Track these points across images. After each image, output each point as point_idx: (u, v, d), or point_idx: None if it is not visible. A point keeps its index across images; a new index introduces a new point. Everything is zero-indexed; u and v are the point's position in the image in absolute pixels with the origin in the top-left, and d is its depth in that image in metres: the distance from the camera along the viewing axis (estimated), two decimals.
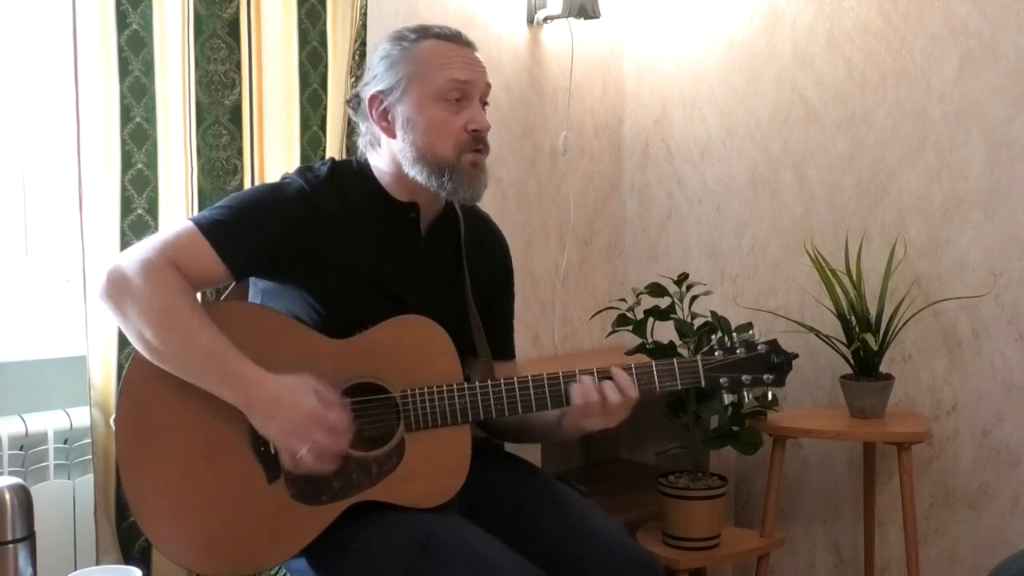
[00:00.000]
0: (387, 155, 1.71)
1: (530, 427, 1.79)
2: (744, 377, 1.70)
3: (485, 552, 1.49)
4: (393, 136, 1.68)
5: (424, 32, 1.70)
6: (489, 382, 1.65)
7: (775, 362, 1.71)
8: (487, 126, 1.69)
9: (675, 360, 1.70)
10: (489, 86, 1.72)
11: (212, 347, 1.51)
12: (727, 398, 1.71)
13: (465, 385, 1.64)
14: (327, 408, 1.51)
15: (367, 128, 1.73)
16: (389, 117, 1.68)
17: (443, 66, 1.66)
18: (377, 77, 1.69)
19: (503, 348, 1.87)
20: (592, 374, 1.66)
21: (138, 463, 1.54)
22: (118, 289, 1.53)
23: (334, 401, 1.53)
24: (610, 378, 1.65)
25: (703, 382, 1.70)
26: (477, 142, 1.68)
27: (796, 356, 1.75)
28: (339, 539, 1.57)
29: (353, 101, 1.76)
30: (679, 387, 1.71)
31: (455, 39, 1.70)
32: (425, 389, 1.61)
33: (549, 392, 1.66)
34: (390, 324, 1.63)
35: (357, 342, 1.61)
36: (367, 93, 1.70)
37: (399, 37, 1.71)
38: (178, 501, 1.54)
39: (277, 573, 1.78)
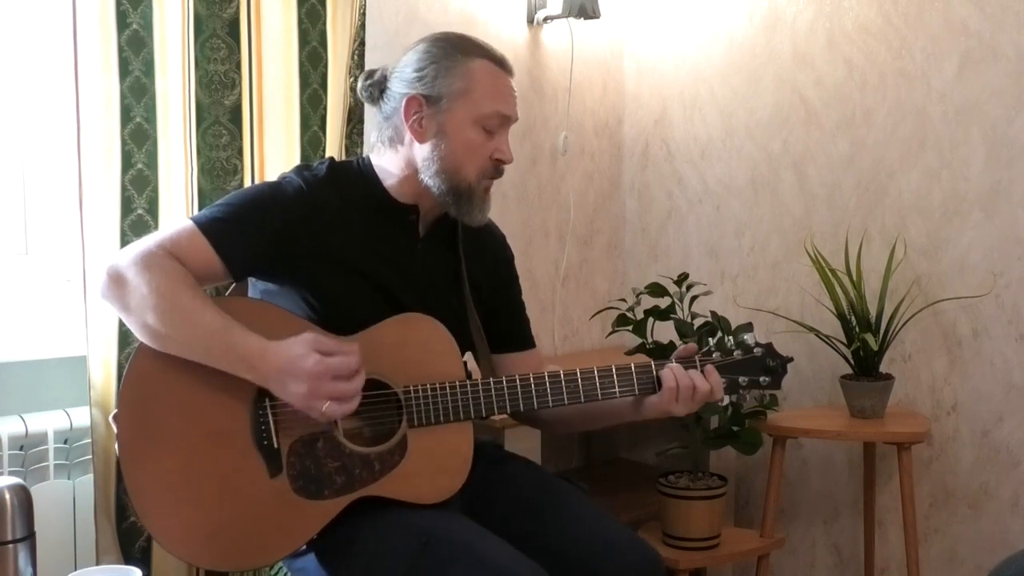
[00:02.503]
0: (404, 157, 1.70)
1: (597, 414, 1.80)
2: (741, 379, 1.73)
3: (487, 551, 1.49)
4: (422, 142, 1.67)
5: (475, 48, 1.69)
6: (491, 379, 1.65)
7: (771, 365, 1.74)
8: (511, 160, 1.71)
9: (674, 360, 1.71)
10: (518, 118, 1.74)
11: (216, 325, 1.51)
12: (724, 399, 1.73)
13: (468, 382, 1.64)
14: (329, 356, 1.50)
15: (390, 124, 1.71)
16: (423, 123, 1.67)
17: (494, 96, 1.67)
18: (423, 80, 1.66)
19: (522, 339, 1.89)
20: (693, 361, 1.71)
21: (139, 457, 1.54)
22: (118, 283, 1.54)
23: (334, 347, 1.52)
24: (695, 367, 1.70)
25: None
26: (498, 172, 1.71)
27: (791, 359, 1.78)
28: (342, 536, 1.57)
29: (373, 90, 1.73)
30: None
31: (504, 65, 1.70)
32: (428, 385, 1.62)
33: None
34: (393, 322, 1.64)
35: (359, 339, 1.61)
36: (405, 91, 1.67)
37: (449, 45, 1.68)
38: (179, 494, 1.54)
39: (279, 571, 1.78)
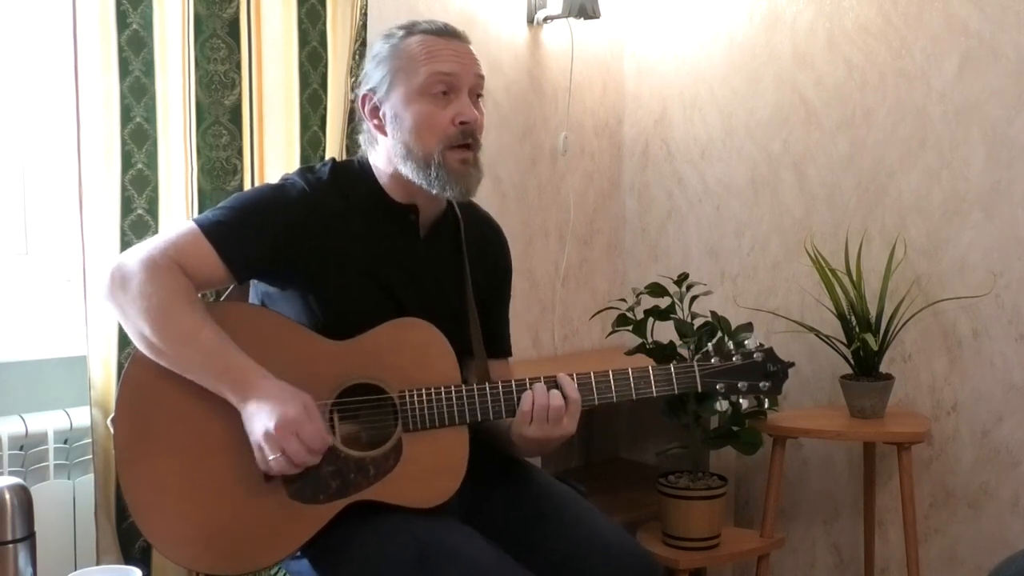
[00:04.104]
0: (383, 153, 1.71)
1: (495, 436, 1.75)
2: (740, 384, 1.71)
3: (483, 561, 1.49)
4: (384, 133, 1.68)
5: (412, 28, 1.69)
6: (487, 384, 1.64)
7: (771, 370, 1.72)
8: (474, 117, 1.65)
9: (672, 366, 1.70)
10: (480, 77, 1.69)
11: (211, 346, 1.51)
12: (722, 404, 1.72)
13: (463, 387, 1.63)
14: (309, 421, 1.50)
15: (366, 126, 1.74)
16: (380, 115, 1.68)
17: (427, 60, 1.64)
18: (367, 75, 1.70)
19: (499, 346, 1.87)
20: (540, 380, 1.65)
21: (136, 460, 1.54)
22: (122, 287, 1.54)
23: (318, 422, 1.52)
24: (556, 385, 1.64)
25: (700, 387, 1.71)
26: (466, 136, 1.65)
27: (792, 364, 1.76)
28: (339, 541, 1.56)
29: (356, 102, 1.77)
30: (676, 392, 1.71)
31: (442, 33, 1.68)
32: (423, 390, 1.61)
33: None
34: (389, 326, 1.63)
35: (355, 344, 1.61)
36: (360, 92, 1.71)
37: (388, 35, 1.71)
38: (175, 498, 1.54)
39: (276, 573, 1.78)
